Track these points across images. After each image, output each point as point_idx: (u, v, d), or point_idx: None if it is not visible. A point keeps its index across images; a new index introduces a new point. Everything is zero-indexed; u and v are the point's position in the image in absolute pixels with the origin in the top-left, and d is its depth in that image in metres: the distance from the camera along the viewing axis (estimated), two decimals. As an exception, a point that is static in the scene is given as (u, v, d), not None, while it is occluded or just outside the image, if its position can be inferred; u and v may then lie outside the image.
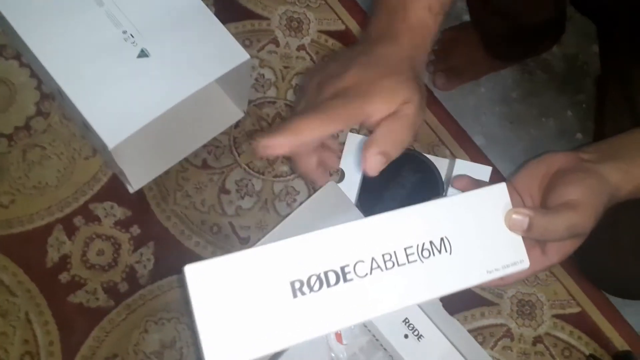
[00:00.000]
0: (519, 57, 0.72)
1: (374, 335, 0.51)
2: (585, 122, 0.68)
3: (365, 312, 0.32)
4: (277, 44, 0.64)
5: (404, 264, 0.33)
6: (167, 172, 0.57)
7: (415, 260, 0.33)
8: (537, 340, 0.58)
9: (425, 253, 0.33)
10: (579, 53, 0.69)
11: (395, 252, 0.33)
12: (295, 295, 0.31)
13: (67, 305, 0.52)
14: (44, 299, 0.52)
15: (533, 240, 0.37)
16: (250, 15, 0.64)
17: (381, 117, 0.34)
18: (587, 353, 0.58)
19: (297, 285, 0.31)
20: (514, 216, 0.34)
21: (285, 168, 0.60)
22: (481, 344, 0.57)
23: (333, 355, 0.53)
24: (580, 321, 0.59)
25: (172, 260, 0.55)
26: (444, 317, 0.48)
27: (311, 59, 0.64)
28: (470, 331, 0.57)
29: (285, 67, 0.63)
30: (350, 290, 0.32)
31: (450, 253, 0.34)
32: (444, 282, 0.34)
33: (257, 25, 0.64)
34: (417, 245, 0.33)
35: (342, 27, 0.66)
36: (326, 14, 0.66)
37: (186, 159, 0.58)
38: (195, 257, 0.56)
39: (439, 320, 0.49)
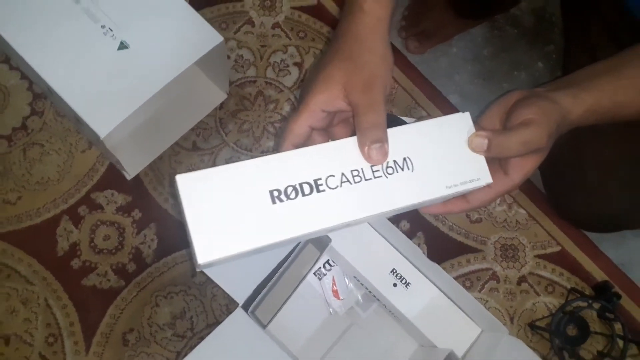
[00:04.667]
0: (488, 15, 0.74)
1: (367, 289, 0.55)
2: (555, 72, 0.71)
3: (335, 217, 0.36)
4: (253, 24, 0.66)
5: (370, 178, 0.37)
6: (160, 157, 0.61)
7: (380, 176, 0.37)
8: (521, 280, 0.62)
9: (390, 170, 0.37)
10: (546, 5, 0.71)
11: (362, 169, 0.37)
12: (274, 202, 0.34)
13: (82, 288, 0.56)
14: (60, 285, 0.56)
15: (497, 164, 0.40)
16: (223, -2, 0.66)
17: None
18: (569, 287, 0.62)
19: (276, 193, 0.34)
20: (475, 138, 0.38)
21: (270, 143, 0.63)
22: (469, 288, 0.61)
23: (332, 310, 0.57)
24: (561, 259, 0.63)
25: (174, 238, 0.59)
26: (428, 265, 0.51)
27: (287, 35, 0.66)
28: (457, 277, 0.61)
29: (263, 46, 0.66)
30: (322, 199, 0.35)
31: (413, 171, 0.37)
32: (405, 195, 0.37)
33: (231, 8, 0.67)
34: (382, 164, 0.37)
35: (314, 2, 0.68)
36: (296, -10, 0.68)
37: (177, 143, 0.61)
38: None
39: (424, 268, 0.52)
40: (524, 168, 0.40)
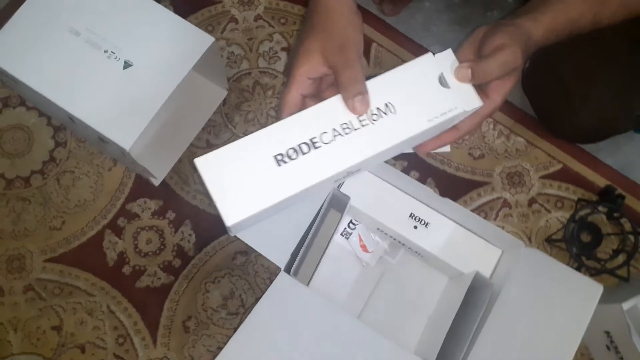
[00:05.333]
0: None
1: (391, 237, 0.60)
2: (525, 4, 0.74)
3: (334, 167, 0.41)
4: (236, 21, 0.71)
5: (359, 128, 0.41)
6: (180, 160, 0.66)
7: (367, 124, 0.41)
8: (531, 201, 0.67)
9: (375, 117, 0.41)
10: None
11: (350, 121, 0.41)
12: (279, 165, 0.40)
13: (137, 290, 0.62)
14: (117, 291, 0.62)
15: (478, 90, 0.44)
16: (204, 3, 0.71)
17: None
18: (576, 199, 0.67)
19: (279, 157, 0.40)
20: (460, 70, 0.42)
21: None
22: (484, 218, 0.66)
23: (364, 263, 0.62)
24: (564, 175, 0.68)
25: (209, 229, 0.64)
26: (442, 202, 0.56)
27: (269, 24, 0.71)
28: (472, 211, 0.66)
29: (250, 39, 0.70)
30: (320, 154, 0.40)
31: (395, 113, 0.42)
32: (392, 135, 0.42)
33: (213, 11, 0.71)
34: (367, 113, 0.41)
35: (288, -12, 0.72)
36: (269, -20, 0.72)
37: (192, 144, 0.66)
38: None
39: (438, 206, 0.57)
40: (503, 88, 0.44)
